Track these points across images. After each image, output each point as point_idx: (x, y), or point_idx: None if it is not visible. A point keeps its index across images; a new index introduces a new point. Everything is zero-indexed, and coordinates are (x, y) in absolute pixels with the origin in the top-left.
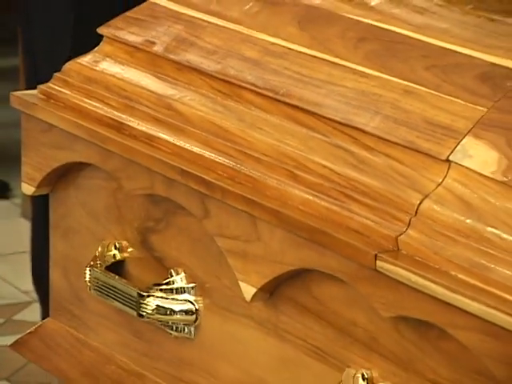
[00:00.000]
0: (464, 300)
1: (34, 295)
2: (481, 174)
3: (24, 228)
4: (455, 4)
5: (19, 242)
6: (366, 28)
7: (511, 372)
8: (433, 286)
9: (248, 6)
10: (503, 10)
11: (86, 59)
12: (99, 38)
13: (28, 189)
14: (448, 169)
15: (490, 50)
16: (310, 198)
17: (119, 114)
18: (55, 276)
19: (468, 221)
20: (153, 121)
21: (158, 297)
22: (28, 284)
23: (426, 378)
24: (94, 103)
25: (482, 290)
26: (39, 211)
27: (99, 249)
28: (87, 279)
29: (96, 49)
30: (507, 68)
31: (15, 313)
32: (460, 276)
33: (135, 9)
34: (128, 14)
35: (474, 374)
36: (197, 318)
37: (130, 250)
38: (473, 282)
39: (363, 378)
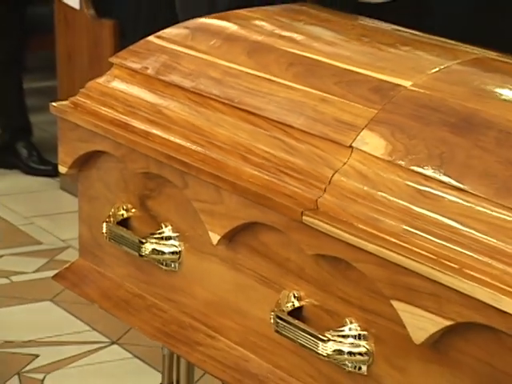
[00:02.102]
0: (362, 242)
1: (70, 242)
2: (374, 156)
3: (61, 196)
4: (356, 39)
5: (59, 205)
6: (293, 56)
7: (394, 290)
8: (341, 233)
9: (213, 42)
10: (389, 43)
11: (101, 80)
12: None
13: (62, 169)
14: (351, 152)
15: (379, 70)
16: (256, 173)
17: (125, 117)
18: (82, 229)
19: (365, 188)
20: (148, 122)
21: (152, 242)
22: (65, 234)
23: (336, 295)
24: (107, 110)
25: (374, 236)
26: None
27: (112, 210)
28: (104, 231)
29: (108, 72)
30: (391, 83)
31: (56, 255)
32: (360, 226)
33: (135, 44)
34: (130, 48)
35: (370, 292)
36: (180, 257)
37: (133, 210)
38: (368, 230)
39: (294, 296)
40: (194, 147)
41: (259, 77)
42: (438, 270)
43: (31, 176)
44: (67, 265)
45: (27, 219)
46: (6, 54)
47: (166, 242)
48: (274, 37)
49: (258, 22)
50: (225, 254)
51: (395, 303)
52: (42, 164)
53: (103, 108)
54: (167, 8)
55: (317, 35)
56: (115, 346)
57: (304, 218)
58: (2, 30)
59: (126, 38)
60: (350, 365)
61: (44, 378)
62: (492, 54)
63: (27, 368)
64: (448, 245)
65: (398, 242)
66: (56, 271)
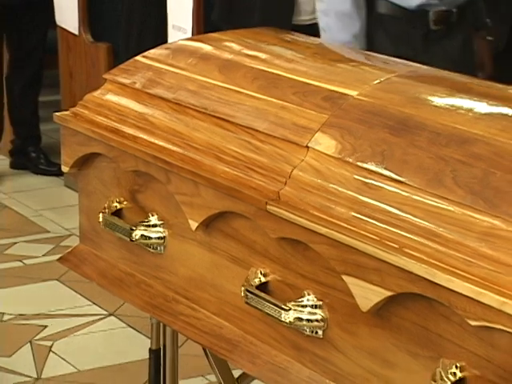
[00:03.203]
0: (317, 227)
1: (72, 231)
2: (326, 154)
3: (65, 192)
4: (310, 56)
5: (63, 200)
6: (258, 71)
7: (345, 266)
8: (300, 219)
9: (190, 60)
10: (337, 60)
11: (97, 93)
12: None
13: (65, 169)
14: (307, 151)
15: (330, 82)
16: (228, 170)
17: (116, 124)
18: (82, 219)
19: (319, 181)
20: (136, 127)
21: (141, 229)
22: (69, 224)
23: (296, 272)
24: (102, 118)
25: (327, 221)
26: None
27: (107, 203)
28: (100, 220)
29: (102, 87)
30: (340, 92)
31: (61, 241)
32: (315, 213)
33: (125, 63)
34: (121, 66)
35: (324, 269)
36: (164, 241)
37: (125, 203)
38: (322, 216)
39: (261, 273)
40: (175, 149)
41: (229, 89)
42: (381, 250)
43: (40, 176)
44: (70, 249)
45: (36, 212)
46: (29, 75)
47: (153, 229)
48: (241, 55)
49: (227, 43)
50: (202, 238)
51: (345, 277)
52: (48, 165)
53: (98, 117)
54: (153, 33)
55: (277, 54)
56: (112, 318)
57: (268, 207)
58: (25, 54)
59: (118, 58)
60: (308, 330)
61: (52, 344)
62: (423, 68)
63: (37, 337)
64: (389, 228)
65: (347, 226)
66: (61, 255)
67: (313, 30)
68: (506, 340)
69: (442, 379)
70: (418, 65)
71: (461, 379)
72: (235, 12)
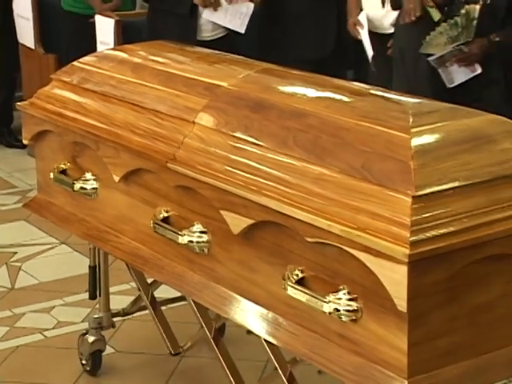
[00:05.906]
0: (202, 177)
1: (34, 186)
2: (207, 127)
3: (28, 159)
4: (195, 59)
5: (27, 164)
6: (159, 71)
7: (222, 204)
8: (190, 172)
9: (111, 64)
10: (214, 61)
11: (46, 88)
12: None
13: (25, 142)
14: (194, 125)
15: (209, 77)
16: (139, 139)
17: (61, 109)
18: (39, 177)
19: (202, 145)
20: (74, 112)
21: (80, 183)
22: (31, 181)
23: (188, 209)
24: (51, 105)
25: (209, 173)
26: None
27: (55, 165)
28: (51, 177)
29: (50, 84)
30: (216, 84)
31: (26, 193)
32: (200, 168)
33: (66, 66)
34: (63, 69)
35: (208, 206)
36: (97, 190)
37: (68, 164)
38: (205, 170)
39: (164, 211)
40: (102, 126)
41: (139, 83)
42: (246, 192)
43: (10, 148)
44: (31, 198)
45: (9, 173)
46: (9, 80)
47: (88, 182)
48: (147, 60)
49: (137, 52)
50: (123, 187)
51: (222, 212)
52: (16, 141)
53: (48, 105)
54: (88, 48)
55: (172, 58)
56: (63, 245)
57: (168, 164)
58: (7, 66)
59: (61, 63)
60: (197, 248)
61: (21, 265)
62: (273, 66)
63: (11, 260)
64: (251, 177)
65: (223, 176)
66: (25, 202)
67: (213, 44)
68: (332, 251)
69: (289, 279)
70: (271, 64)
71: (302, 278)
72: (160, 34)
